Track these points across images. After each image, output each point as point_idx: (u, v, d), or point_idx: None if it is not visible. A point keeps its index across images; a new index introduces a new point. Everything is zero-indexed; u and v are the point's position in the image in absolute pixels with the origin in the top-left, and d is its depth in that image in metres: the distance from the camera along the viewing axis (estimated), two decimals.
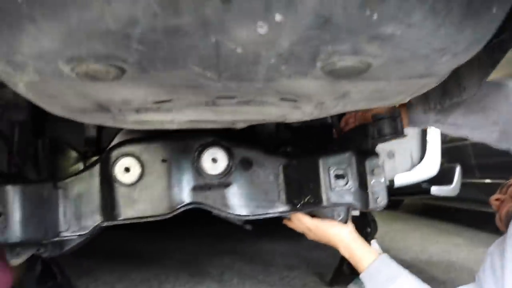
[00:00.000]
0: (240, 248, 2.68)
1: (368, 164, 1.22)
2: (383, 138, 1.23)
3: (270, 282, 1.98)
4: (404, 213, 4.71)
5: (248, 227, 1.74)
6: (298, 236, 3.04)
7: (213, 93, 0.77)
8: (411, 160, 2.02)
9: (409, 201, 5.03)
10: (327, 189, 1.22)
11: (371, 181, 1.22)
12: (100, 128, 1.70)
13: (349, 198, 1.23)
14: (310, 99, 0.83)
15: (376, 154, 1.24)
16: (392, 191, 2.21)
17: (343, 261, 1.93)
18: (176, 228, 3.56)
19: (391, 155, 1.97)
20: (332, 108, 0.92)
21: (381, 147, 1.57)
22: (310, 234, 1.33)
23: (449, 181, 2.10)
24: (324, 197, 1.22)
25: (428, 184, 2.14)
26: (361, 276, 1.25)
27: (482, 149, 3.06)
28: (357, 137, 1.29)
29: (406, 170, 2.05)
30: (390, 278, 1.20)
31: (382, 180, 1.22)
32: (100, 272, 2.20)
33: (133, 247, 2.83)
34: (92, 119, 0.94)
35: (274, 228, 3.54)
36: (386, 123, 1.25)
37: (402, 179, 2.04)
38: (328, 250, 2.62)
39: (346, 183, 1.22)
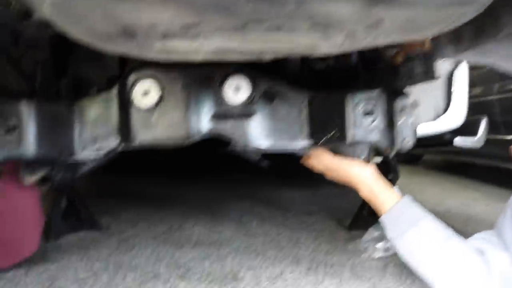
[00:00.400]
0: (259, 194, 2.72)
1: (397, 103, 1.19)
2: (413, 79, 1.18)
3: (289, 226, 2.01)
4: (424, 169, 4.68)
5: (265, 163, 1.74)
6: (317, 185, 3.10)
7: (243, 16, 0.74)
8: (435, 110, 1.98)
9: (429, 157, 4.99)
10: (353, 126, 1.20)
11: (399, 121, 1.18)
12: (122, 67, 1.69)
13: (375, 136, 1.21)
14: (341, 27, 0.80)
15: (405, 94, 1.20)
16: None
17: (364, 205, 1.94)
18: (196, 175, 3.62)
19: (414, 104, 1.93)
20: (363, 39, 0.89)
21: None
22: (330, 173, 1.31)
23: (473, 132, 2.05)
24: (349, 133, 1.20)
25: (452, 135, 2.10)
26: (381, 218, 1.23)
27: (509, 105, 2.98)
28: (386, 77, 1.25)
29: (430, 120, 2.01)
30: (412, 221, 1.17)
31: (410, 120, 1.19)
32: (122, 211, 2.26)
33: (155, 191, 2.89)
34: (117, 47, 0.93)
35: (293, 176, 3.59)
36: (418, 64, 1.21)
37: (425, 129, 2.00)
38: (347, 198, 2.66)
39: (373, 120, 1.20)
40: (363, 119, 1.20)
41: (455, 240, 1.13)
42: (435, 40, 1.21)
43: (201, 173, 3.72)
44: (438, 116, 1.97)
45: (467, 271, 1.08)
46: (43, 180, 1.32)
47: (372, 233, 1.65)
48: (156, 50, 0.92)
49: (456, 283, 1.10)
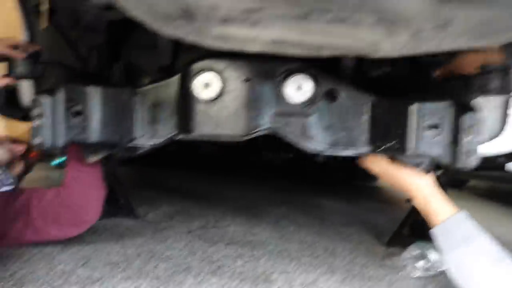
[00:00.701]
0: (297, 201, 2.68)
1: (465, 119, 1.11)
2: (488, 93, 1.11)
3: (325, 235, 1.96)
4: (469, 194, 4.49)
5: (320, 158, 1.71)
6: (357, 198, 3.02)
7: (307, 3, 0.72)
8: (489, 131, 1.89)
9: (475, 183, 4.78)
10: (416, 138, 1.14)
11: (465, 138, 1.12)
12: (175, 58, 1.70)
13: (437, 151, 1.15)
14: (408, 24, 0.77)
15: (476, 109, 1.13)
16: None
17: (405, 223, 1.87)
18: (237, 177, 3.62)
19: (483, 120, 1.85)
20: (428, 41, 0.85)
21: None
22: (386, 177, 1.28)
23: None
24: (410, 145, 1.15)
25: (505, 159, 1.99)
26: (434, 229, 1.19)
27: None
28: (457, 88, 1.18)
29: (483, 142, 1.92)
30: (466, 237, 1.12)
31: (478, 139, 1.12)
32: (161, 203, 2.28)
33: (194, 187, 2.90)
34: (175, 30, 0.92)
35: (333, 188, 3.53)
36: (495, 77, 1.13)
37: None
38: (387, 214, 2.59)
39: (437, 135, 1.14)
40: (427, 131, 1.14)
41: (509, 262, 1.06)
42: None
43: (242, 176, 3.72)
44: (492, 138, 1.88)
45: None
46: (105, 159, 1.37)
47: (412, 251, 1.58)
48: (213, 36, 0.91)
49: None
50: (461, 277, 1.12)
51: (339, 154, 1.25)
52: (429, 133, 1.15)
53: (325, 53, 0.94)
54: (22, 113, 1.60)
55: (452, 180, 4.36)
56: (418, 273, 1.51)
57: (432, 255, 1.51)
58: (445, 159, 1.15)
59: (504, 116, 1.92)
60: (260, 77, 1.20)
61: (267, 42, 0.92)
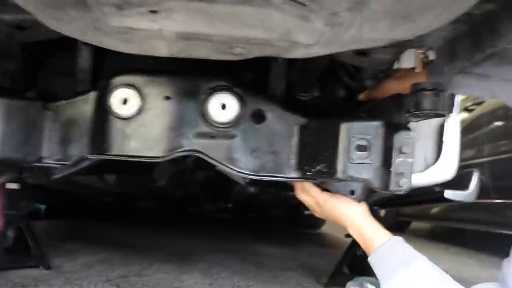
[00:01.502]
0: (233, 248, 2.51)
1: (397, 139, 1.03)
2: (420, 113, 1.04)
3: (261, 279, 1.81)
4: (411, 236, 4.49)
5: (252, 189, 1.60)
6: (296, 243, 2.90)
7: None
8: (425, 160, 1.86)
9: (417, 225, 4.81)
10: (345, 160, 1.05)
11: (397, 160, 1.02)
12: (93, 82, 1.59)
13: (367, 174, 1.05)
14: (321, 5, 0.69)
15: (408, 129, 1.05)
16: (401, 198, 2.06)
17: (343, 261, 1.76)
18: (167, 225, 3.42)
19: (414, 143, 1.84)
20: (347, 29, 0.77)
21: None
22: (318, 209, 1.19)
23: (465, 186, 1.92)
24: (339, 168, 1.06)
25: (442, 188, 1.96)
26: (370, 258, 1.10)
27: (498, 170, 2.89)
28: (389, 108, 1.12)
29: (418, 171, 1.88)
30: (403, 261, 1.04)
31: (410, 160, 1.03)
32: (81, 253, 2.05)
33: (123, 237, 2.67)
34: (68, 22, 0.81)
35: (275, 236, 3.40)
36: (427, 97, 1.08)
37: (414, 180, 1.86)
38: (329, 257, 2.47)
39: (368, 157, 1.05)
40: (357, 153, 1.05)
41: (450, 283, 0.97)
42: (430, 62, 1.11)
43: (179, 227, 3.52)
44: (427, 166, 1.85)
45: None
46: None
47: (350, 287, 1.46)
48: (113, 28, 0.80)
49: None
50: None
51: (265, 179, 1.15)
52: (359, 154, 1.06)
53: (238, 50, 0.85)
54: None
55: (394, 222, 4.37)
56: None
57: None
58: (376, 183, 1.06)
59: (439, 146, 1.90)
60: (182, 95, 1.13)
61: (172, 39, 0.83)
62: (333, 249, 2.87)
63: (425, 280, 1.01)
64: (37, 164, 1.14)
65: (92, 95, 1.14)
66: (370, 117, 1.13)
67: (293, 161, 1.14)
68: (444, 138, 1.87)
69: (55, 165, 1.15)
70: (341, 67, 1.40)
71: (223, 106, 1.12)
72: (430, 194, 1.95)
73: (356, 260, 1.76)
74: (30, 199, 1.77)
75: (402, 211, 4.26)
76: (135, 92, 1.11)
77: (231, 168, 1.13)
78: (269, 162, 1.15)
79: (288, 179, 1.16)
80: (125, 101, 1.11)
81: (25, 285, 1.48)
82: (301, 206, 3.50)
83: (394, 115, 1.13)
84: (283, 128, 1.15)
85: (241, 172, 1.14)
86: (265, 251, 2.53)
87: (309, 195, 1.19)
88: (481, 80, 1.05)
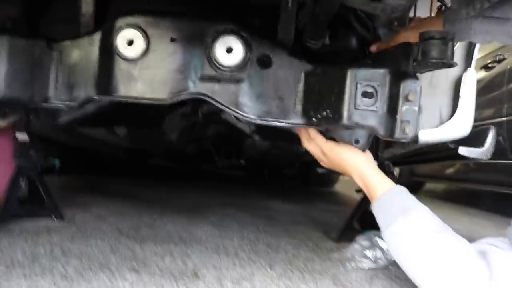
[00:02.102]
0: (244, 203, 2.53)
1: (404, 87, 1.02)
2: (428, 62, 1.00)
3: (271, 232, 1.81)
4: (425, 197, 4.47)
5: (257, 137, 1.60)
6: (308, 200, 2.90)
7: None
8: (440, 116, 1.80)
9: (431, 186, 4.77)
10: (351, 106, 1.05)
11: (403, 107, 1.02)
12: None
13: (373, 121, 1.05)
14: None
15: (415, 78, 1.04)
16: (415, 155, 2.01)
17: (354, 216, 1.75)
18: (180, 182, 3.45)
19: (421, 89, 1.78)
20: None
21: None
22: (324, 158, 1.19)
23: (480, 143, 1.86)
24: (345, 114, 1.05)
25: (457, 145, 1.91)
26: (372, 205, 1.11)
27: None
28: (397, 56, 1.08)
29: (433, 127, 1.83)
30: (403, 209, 1.04)
31: (416, 108, 1.02)
32: (93, 206, 2.07)
33: (137, 192, 2.69)
34: None
35: (288, 193, 3.41)
36: (435, 46, 1.03)
37: (428, 136, 1.81)
38: (339, 214, 2.46)
39: (373, 104, 1.04)
40: (363, 99, 1.05)
41: (449, 233, 0.96)
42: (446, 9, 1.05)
43: (192, 183, 3.55)
44: (442, 122, 1.80)
45: (462, 270, 0.90)
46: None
47: (361, 241, 1.46)
48: None
49: (447, 283, 0.92)
50: (400, 253, 1.04)
51: (270, 124, 1.14)
52: (365, 101, 1.05)
53: None
54: None
55: (409, 182, 4.33)
56: (367, 264, 1.38)
57: (383, 243, 1.39)
58: (381, 130, 1.06)
59: (455, 101, 1.83)
60: (188, 38, 1.12)
61: None
62: (345, 206, 2.86)
63: (422, 229, 1.01)
64: (43, 104, 1.14)
65: (97, 36, 1.14)
66: (378, 64, 1.11)
67: (299, 107, 1.13)
68: (460, 93, 1.80)
69: (61, 106, 1.15)
70: (353, 14, 1.34)
71: (229, 50, 1.11)
72: (445, 151, 1.91)
73: (366, 216, 1.74)
74: (41, 151, 1.77)
75: (417, 171, 4.20)
76: (140, 33, 1.11)
77: (237, 113, 1.13)
78: (275, 108, 1.14)
79: (293, 125, 1.16)
80: (130, 43, 1.11)
81: (38, 232, 1.51)
82: (314, 164, 3.47)
83: (402, 63, 1.10)
84: (290, 74, 1.14)
85: (247, 117, 1.13)
86: (277, 207, 2.53)
87: (315, 144, 1.19)
88: (501, 24, 0.99)
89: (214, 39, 1.09)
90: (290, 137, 1.39)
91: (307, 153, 2.34)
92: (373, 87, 1.05)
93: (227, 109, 1.12)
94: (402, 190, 1.10)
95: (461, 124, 1.78)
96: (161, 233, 1.66)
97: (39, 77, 1.12)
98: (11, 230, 1.52)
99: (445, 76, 1.60)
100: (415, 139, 1.81)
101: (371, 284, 1.26)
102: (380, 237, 1.39)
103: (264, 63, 1.13)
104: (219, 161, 3.66)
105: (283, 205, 2.60)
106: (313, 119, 1.10)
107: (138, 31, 1.10)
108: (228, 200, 2.59)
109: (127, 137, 2.33)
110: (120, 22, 1.11)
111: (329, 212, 2.53)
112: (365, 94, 1.05)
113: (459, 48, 1.48)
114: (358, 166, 1.14)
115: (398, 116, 1.03)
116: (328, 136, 1.19)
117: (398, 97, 1.03)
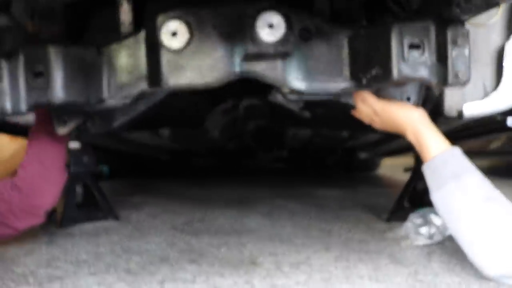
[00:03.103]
0: (291, 193, 2.53)
1: (451, 32, 1.03)
2: (471, 6, 0.99)
3: (322, 218, 1.82)
4: None
5: (306, 114, 1.60)
6: (354, 186, 2.88)
7: None
8: (484, 88, 1.75)
9: (476, 163, 4.62)
10: (399, 61, 1.04)
11: (453, 53, 1.03)
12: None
13: (424, 72, 1.04)
14: None
15: (461, 22, 1.04)
16: (460, 131, 1.96)
17: (404, 194, 1.73)
18: (223, 178, 3.50)
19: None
20: None
21: None
22: (377, 119, 1.18)
23: None
24: (394, 70, 1.04)
25: (504, 116, 1.85)
26: (424, 166, 1.08)
27: None
28: (439, 4, 1.08)
29: (477, 99, 1.78)
30: (455, 173, 1.02)
31: (466, 51, 1.03)
32: (145, 206, 2.14)
33: (184, 191, 2.75)
34: None
35: (332, 179, 3.39)
36: None
37: (473, 109, 1.76)
38: (386, 196, 2.43)
39: (422, 55, 1.04)
40: (410, 52, 1.04)
41: (502, 200, 0.94)
42: None
43: (236, 179, 3.59)
44: (487, 94, 1.75)
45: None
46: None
47: (414, 219, 1.44)
48: None
49: (495, 251, 0.90)
50: (449, 215, 1.02)
51: (321, 93, 1.18)
52: (412, 53, 1.05)
53: None
54: None
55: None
56: (422, 241, 1.36)
57: (437, 220, 1.37)
58: (432, 79, 1.05)
59: (499, 71, 1.78)
60: (230, 21, 1.15)
61: None
62: (390, 188, 2.83)
63: (471, 195, 0.99)
64: (99, 106, 1.20)
65: (141, 34, 1.18)
66: (420, 15, 1.11)
67: (346, 72, 1.15)
68: (504, 63, 1.74)
69: (116, 104, 1.21)
70: None
71: (270, 26, 1.12)
72: (491, 124, 1.86)
73: (416, 194, 1.72)
74: (94, 157, 1.85)
75: (460, 147, 4.08)
76: (183, 24, 1.14)
77: (287, 87, 1.16)
78: (322, 76, 1.16)
79: (344, 90, 1.17)
80: (174, 34, 1.14)
81: (97, 234, 1.58)
82: (356, 150, 3.42)
83: (445, 11, 1.09)
84: (333, 42, 1.15)
85: (297, 90, 1.16)
86: (324, 194, 2.53)
87: (368, 105, 1.18)
88: None
89: (255, 18, 1.12)
90: (340, 108, 1.39)
91: (349, 138, 2.32)
92: (419, 38, 1.05)
93: (275, 84, 1.15)
94: (457, 153, 1.07)
95: (507, 95, 1.73)
96: (214, 226, 1.70)
97: (93, 81, 1.17)
98: (72, 233, 1.60)
99: (486, 47, 1.57)
100: (460, 114, 1.77)
101: (429, 260, 1.24)
102: (434, 213, 1.37)
103: (306, 35, 1.15)
104: (261, 155, 3.68)
105: (329, 192, 2.60)
106: (363, 80, 1.10)
107: (180, 22, 1.14)
108: (274, 192, 2.61)
109: (170, 138, 2.39)
110: (162, 17, 1.15)
111: (376, 195, 2.51)
112: (412, 46, 1.05)
113: (499, 17, 1.44)
114: (412, 123, 1.12)
115: (449, 62, 1.04)
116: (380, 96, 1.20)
117: (446, 43, 1.04)
